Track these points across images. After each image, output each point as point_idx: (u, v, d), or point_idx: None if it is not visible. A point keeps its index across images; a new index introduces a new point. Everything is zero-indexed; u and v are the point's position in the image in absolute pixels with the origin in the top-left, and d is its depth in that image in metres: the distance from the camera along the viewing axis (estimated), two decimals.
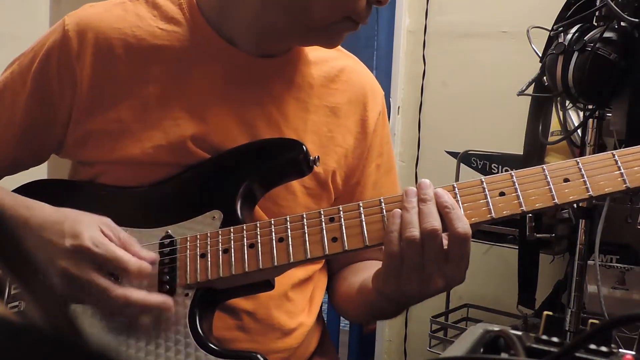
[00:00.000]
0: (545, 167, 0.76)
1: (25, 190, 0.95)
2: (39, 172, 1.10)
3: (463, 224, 0.74)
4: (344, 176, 1.00)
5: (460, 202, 0.77)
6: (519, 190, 0.76)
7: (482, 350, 0.53)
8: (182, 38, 0.92)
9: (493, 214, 0.76)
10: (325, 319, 1.18)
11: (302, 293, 0.99)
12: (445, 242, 0.75)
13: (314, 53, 1.00)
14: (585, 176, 0.74)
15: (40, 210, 0.85)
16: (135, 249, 0.82)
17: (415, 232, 0.74)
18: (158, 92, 0.91)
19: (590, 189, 0.74)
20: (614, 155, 0.75)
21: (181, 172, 0.90)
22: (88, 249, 0.78)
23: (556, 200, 0.74)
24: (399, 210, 0.77)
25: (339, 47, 1.06)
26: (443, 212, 0.75)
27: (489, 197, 0.77)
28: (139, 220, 0.88)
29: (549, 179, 0.75)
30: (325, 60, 1.01)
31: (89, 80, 0.91)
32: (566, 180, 0.75)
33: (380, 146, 1.05)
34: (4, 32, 2.12)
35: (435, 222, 0.74)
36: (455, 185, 0.78)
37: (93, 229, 0.81)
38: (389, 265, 0.77)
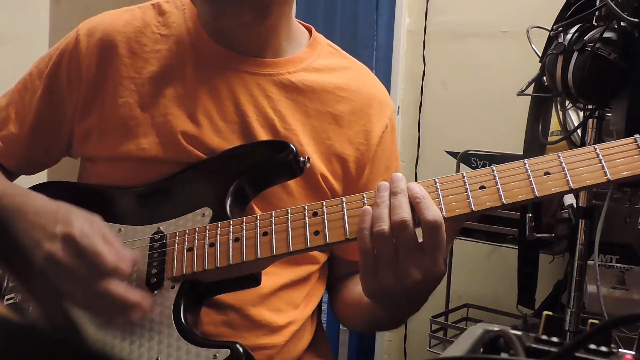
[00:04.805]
0: (526, 161, 0.77)
1: None
2: (39, 173, 1.10)
3: (433, 213, 0.74)
4: (342, 185, 1.00)
5: (441, 195, 0.77)
6: (499, 184, 0.76)
7: (482, 350, 0.53)
8: (181, 42, 0.98)
9: (473, 207, 0.76)
10: (326, 319, 1.18)
11: (295, 292, 0.99)
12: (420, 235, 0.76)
13: (321, 61, 1.02)
14: (565, 169, 0.75)
15: (36, 198, 0.89)
16: (117, 247, 0.84)
17: (384, 225, 0.74)
18: (153, 90, 0.95)
19: (570, 182, 0.74)
20: (595, 149, 0.75)
21: (175, 172, 0.93)
22: (74, 238, 0.81)
23: (536, 193, 0.75)
24: (369, 207, 0.77)
25: (352, 57, 1.07)
26: (414, 203, 0.75)
27: (469, 191, 0.77)
28: (133, 218, 0.92)
29: (529, 172, 0.76)
30: (334, 69, 1.03)
31: (93, 78, 0.96)
32: (547, 173, 0.76)
33: (388, 161, 1.04)
34: (4, 32, 2.11)
35: (404, 213, 0.74)
36: (436, 180, 0.79)
37: (83, 222, 0.83)
38: (364, 262, 0.77)
